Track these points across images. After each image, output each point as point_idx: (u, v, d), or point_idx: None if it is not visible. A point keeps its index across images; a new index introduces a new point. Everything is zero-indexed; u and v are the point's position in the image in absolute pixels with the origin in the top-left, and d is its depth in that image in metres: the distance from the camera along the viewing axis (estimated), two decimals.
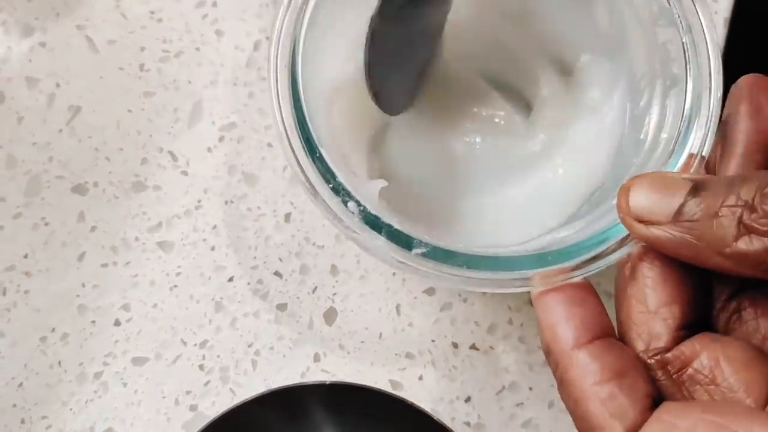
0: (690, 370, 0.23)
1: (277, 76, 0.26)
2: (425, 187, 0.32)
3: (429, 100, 0.33)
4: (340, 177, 0.26)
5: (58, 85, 0.36)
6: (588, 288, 0.25)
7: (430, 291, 0.35)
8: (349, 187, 0.25)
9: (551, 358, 0.24)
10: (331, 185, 0.26)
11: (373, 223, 0.25)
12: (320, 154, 0.26)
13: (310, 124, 0.26)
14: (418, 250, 0.25)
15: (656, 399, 0.23)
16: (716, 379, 0.22)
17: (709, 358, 0.22)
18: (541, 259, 0.25)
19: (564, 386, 0.23)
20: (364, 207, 0.25)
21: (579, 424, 0.23)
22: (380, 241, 0.25)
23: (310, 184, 0.26)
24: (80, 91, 0.36)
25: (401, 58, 0.30)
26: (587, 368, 0.23)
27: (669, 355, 0.23)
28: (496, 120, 0.33)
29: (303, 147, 0.26)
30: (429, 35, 0.31)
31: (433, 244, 0.25)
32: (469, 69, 0.33)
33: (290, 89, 0.26)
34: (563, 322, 0.24)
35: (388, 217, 0.25)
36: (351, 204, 0.25)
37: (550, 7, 0.32)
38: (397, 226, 0.25)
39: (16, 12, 0.36)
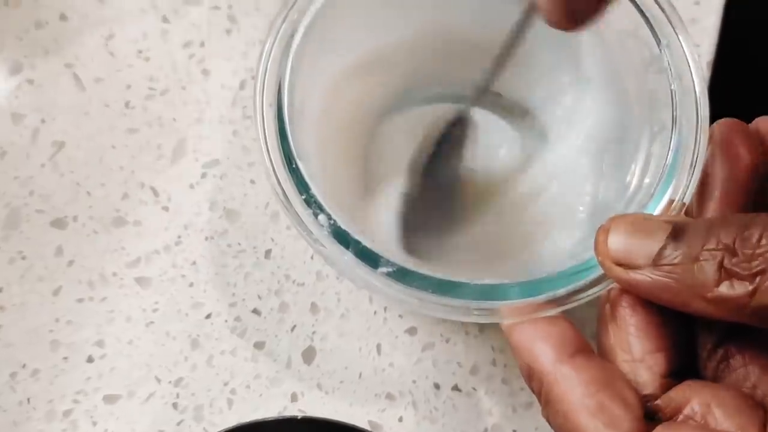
0: (681, 417, 0.22)
1: (264, 86, 0.27)
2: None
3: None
4: (314, 190, 0.25)
5: (43, 120, 0.36)
6: (557, 316, 0.24)
7: (411, 331, 0.34)
8: (321, 201, 0.25)
9: (534, 379, 0.23)
10: (304, 197, 0.25)
11: (341, 237, 0.25)
12: (297, 165, 0.26)
13: (290, 134, 0.26)
14: (384, 269, 0.25)
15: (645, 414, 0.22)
16: (709, 424, 0.21)
17: (701, 404, 0.22)
18: (509, 290, 0.25)
19: (550, 404, 0.22)
20: (334, 221, 0.25)
21: None
22: (347, 256, 0.25)
23: (284, 194, 0.25)
24: (65, 127, 0.36)
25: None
26: (573, 381, 0.22)
27: (659, 402, 0.22)
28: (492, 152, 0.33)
29: (281, 156, 0.26)
30: None
31: (400, 264, 0.25)
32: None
33: (276, 97, 0.26)
34: (541, 342, 0.23)
35: (357, 234, 0.25)
36: (321, 217, 0.25)
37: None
38: (365, 243, 0.25)
39: (6, 49, 0.37)
